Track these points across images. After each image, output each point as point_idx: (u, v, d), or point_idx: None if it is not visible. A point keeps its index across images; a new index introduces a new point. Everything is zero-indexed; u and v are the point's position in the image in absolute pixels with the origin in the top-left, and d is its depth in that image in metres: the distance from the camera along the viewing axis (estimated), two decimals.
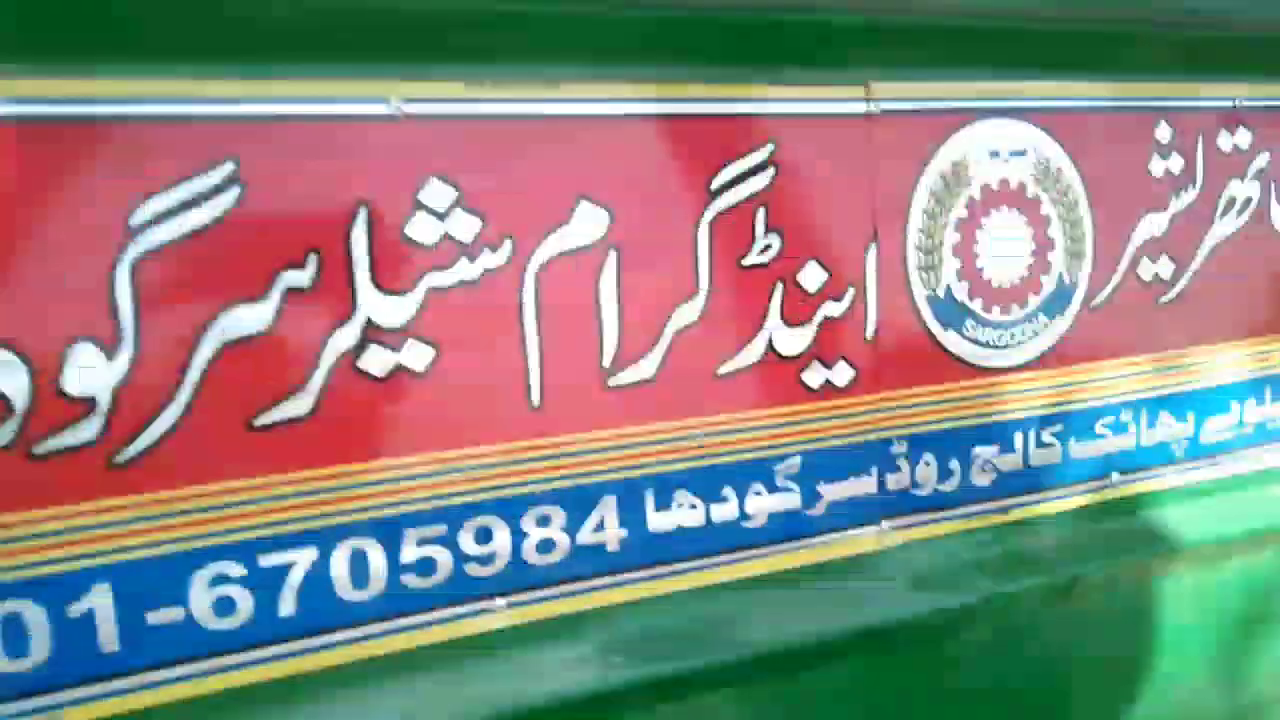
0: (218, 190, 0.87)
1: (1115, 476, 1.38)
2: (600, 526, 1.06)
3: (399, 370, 0.96)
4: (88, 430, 0.85)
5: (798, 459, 1.15)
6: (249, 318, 0.90)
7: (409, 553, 0.98)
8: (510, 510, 1.02)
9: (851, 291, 1.15)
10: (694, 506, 1.11)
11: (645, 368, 1.07)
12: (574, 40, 0.98)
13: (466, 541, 1.01)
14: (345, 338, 0.94)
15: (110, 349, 0.85)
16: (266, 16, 0.86)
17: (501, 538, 1.02)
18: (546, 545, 1.04)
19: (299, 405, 0.93)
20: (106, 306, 0.85)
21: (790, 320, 1.13)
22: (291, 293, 0.91)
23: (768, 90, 1.07)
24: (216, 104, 0.86)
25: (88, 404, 0.85)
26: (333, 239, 0.92)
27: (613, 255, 1.03)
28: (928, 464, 1.24)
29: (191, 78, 0.84)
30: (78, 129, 0.82)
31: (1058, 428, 1.33)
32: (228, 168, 0.87)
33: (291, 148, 0.89)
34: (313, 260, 0.91)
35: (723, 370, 1.10)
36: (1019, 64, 1.21)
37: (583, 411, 1.04)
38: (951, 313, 1.22)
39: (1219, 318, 1.43)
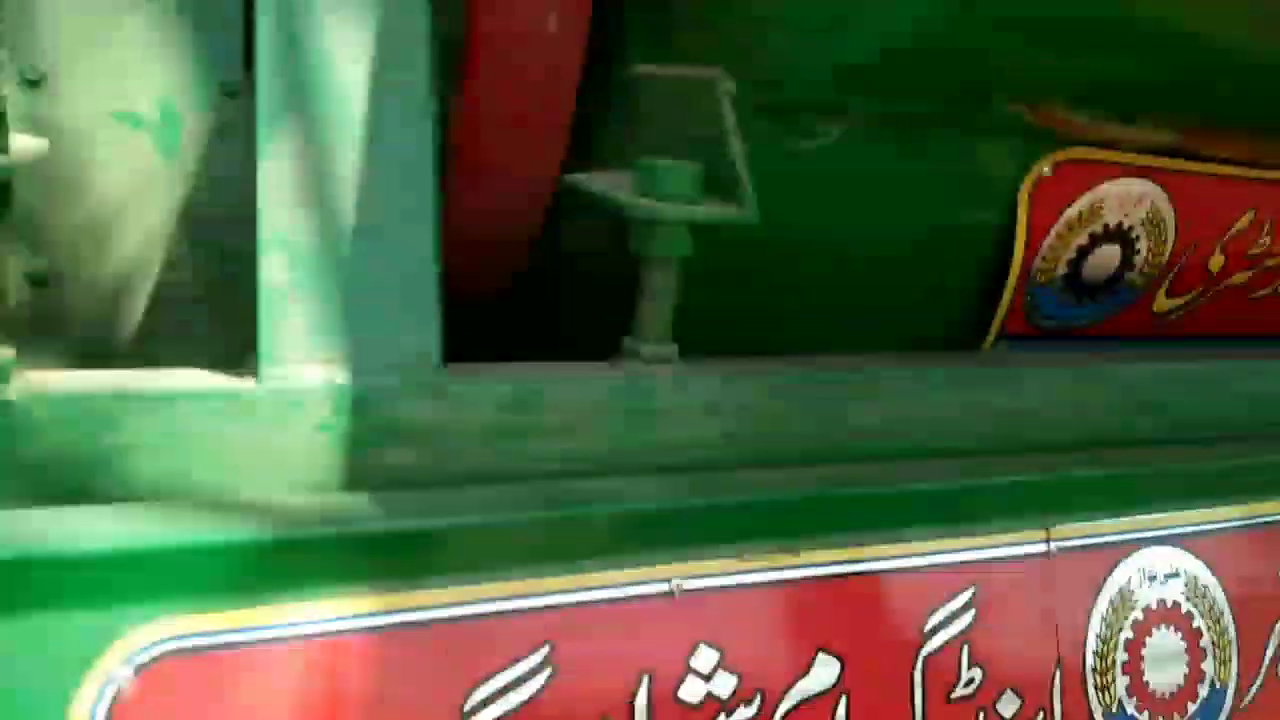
0: (535, 671, 0.98)
1: None
2: None
3: None
4: None
5: None
6: None
7: None
8: None
9: (1041, 714, 1.25)
10: None
11: None
12: (810, 518, 1.14)
13: None
14: None
15: None
16: (586, 522, 1.01)
17: None
18: None
19: None
20: None
21: None
22: None
23: (966, 541, 1.21)
24: (540, 597, 0.98)
25: None
26: (619, 705, 1.02)
27: (844, 699, 1.13)
28: None
29: (522, 579, 0.98)
30: (424, 631, 0.94)
31: None
32: (544, 651, 0.98)
33: (592, 628, 1.01)
34: None
35: None
36: (1169, 497, 1.37)
37: None
38: None
39: None
